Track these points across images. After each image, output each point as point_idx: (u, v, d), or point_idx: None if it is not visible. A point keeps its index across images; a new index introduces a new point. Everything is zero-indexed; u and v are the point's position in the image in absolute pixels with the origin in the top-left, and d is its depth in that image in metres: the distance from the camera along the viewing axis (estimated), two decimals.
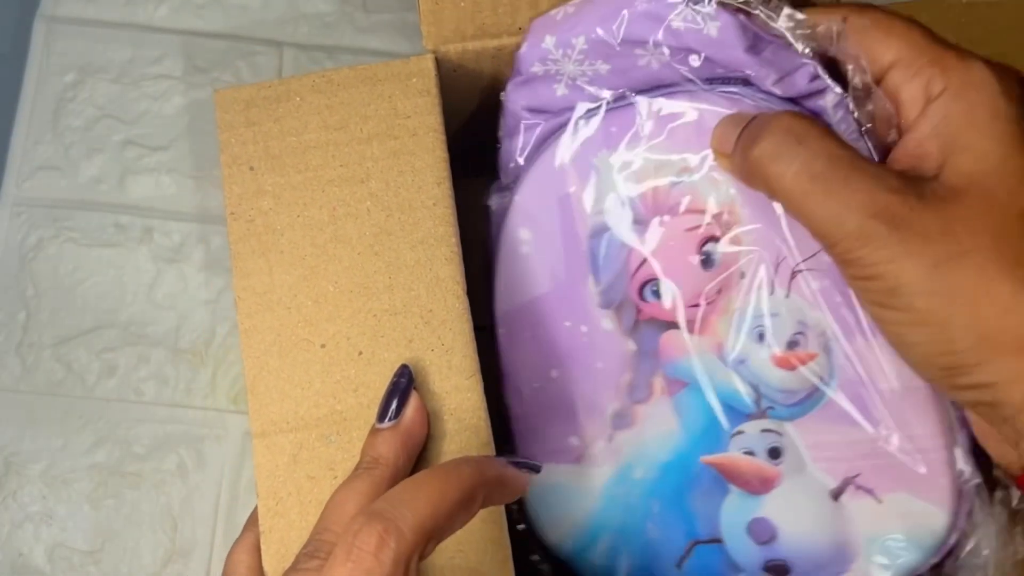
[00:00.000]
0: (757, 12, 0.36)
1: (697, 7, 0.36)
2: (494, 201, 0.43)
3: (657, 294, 0.39)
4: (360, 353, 0.37)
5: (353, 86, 0.39)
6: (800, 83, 0.36)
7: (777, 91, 0.37)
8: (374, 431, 0.36)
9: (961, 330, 0.30)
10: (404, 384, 0.36)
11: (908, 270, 0.31)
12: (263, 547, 0.36)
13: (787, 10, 0.36)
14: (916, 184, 0.32)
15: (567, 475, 0.40)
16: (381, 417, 0.36)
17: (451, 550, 0.35)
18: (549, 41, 0.39)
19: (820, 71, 0.36)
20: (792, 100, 0.37)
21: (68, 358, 0.55)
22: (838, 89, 0.36)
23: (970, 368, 0.31)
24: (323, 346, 0.37)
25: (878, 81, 0.34)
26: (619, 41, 0.38)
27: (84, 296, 0.55)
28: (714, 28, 0.36)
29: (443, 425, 0.37)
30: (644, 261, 0.39)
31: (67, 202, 0.57)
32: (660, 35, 0.37)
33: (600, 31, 0.38)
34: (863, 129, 0.36)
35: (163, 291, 0.56)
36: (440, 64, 0.41)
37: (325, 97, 0.39)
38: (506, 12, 0.40)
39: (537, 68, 0.40)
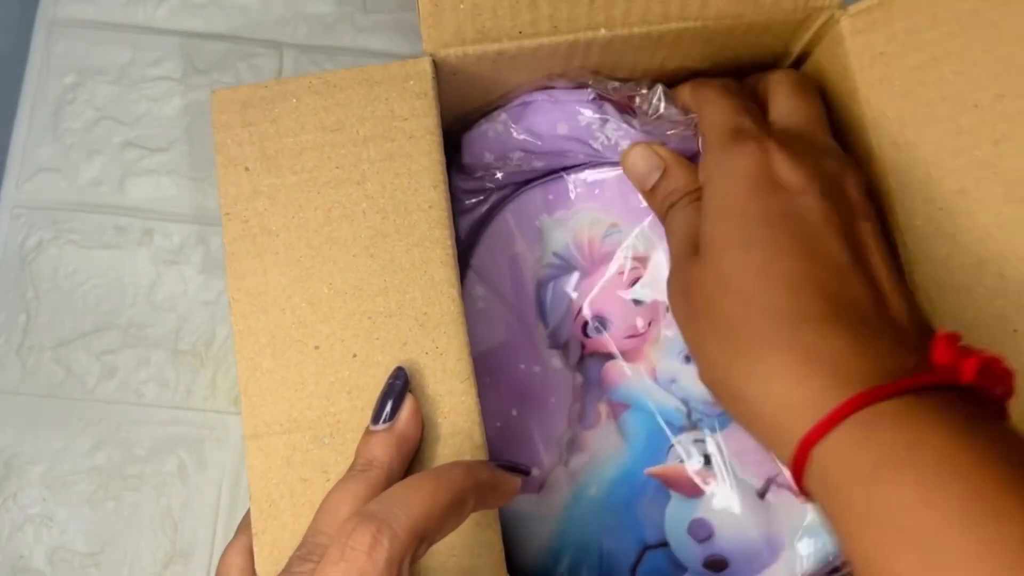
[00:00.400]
0: (642, 104, 0.44)
1: (607, 127, 0.44)
2: None
3: (598, 330, 0.45)
4: (354, 355, 0.37)
5: (350, 87, 0.39)
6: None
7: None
8: (368, 433, 0.35)
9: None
10: (399, 386, 0.36)
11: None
12: (256, 549, 0.36)
13: (662, 103, 0.43)
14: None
15: (531, 504, 0.44)
16: (376, 419, 0.35)
17: (444, 553, 0.35)
18: (489, 156, 0.46)
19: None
20: None
21: (68, 360, 0.55)
22: None
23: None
24: (317, 348, 0.37)
25: None
26: (549, 151, 0.45)
27: (84, 298, 0.55)
28: (626, 143, 0.44)
29: (437, 429, 0.36)
30: (585, 302, 0.45)
31: (67, 204, 0.57)
32: (582, 153, 0.45)
33: (532, 147, 0.45)
34: None
35: (163, 293, 0.56)
36: (439, 67, 0.41)
37: (322, 98, 0.39)
38: (506, 15, 0.40)
39: (480, 172, 0.47)
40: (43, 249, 0.56)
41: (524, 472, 0.36)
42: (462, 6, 0.40)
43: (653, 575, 0.43)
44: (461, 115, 0.48)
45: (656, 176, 0.42)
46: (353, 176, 0.38)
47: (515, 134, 0.45)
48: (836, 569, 0.43)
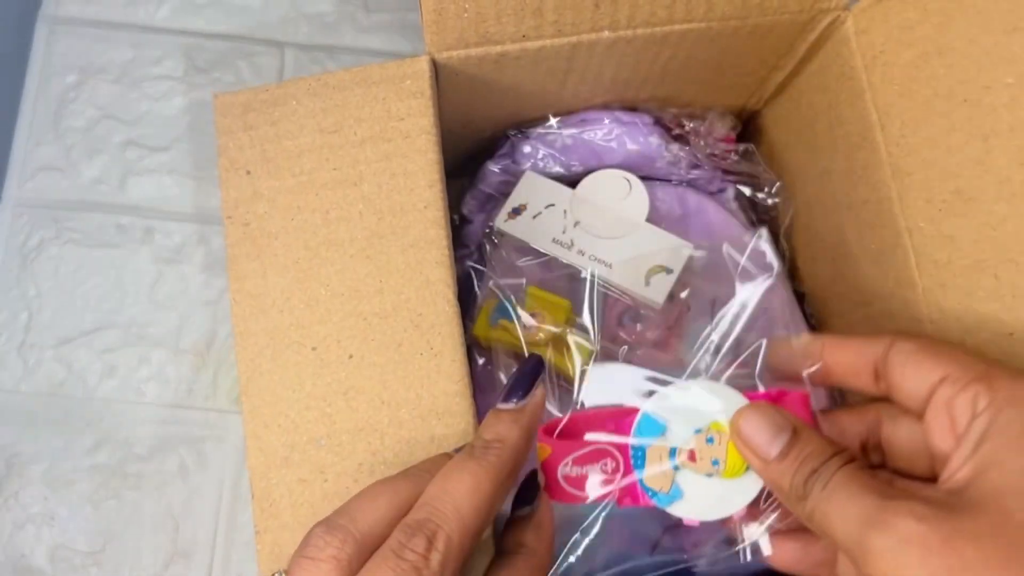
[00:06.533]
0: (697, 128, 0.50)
1: (671, 147, 0.50)
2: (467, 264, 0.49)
3: (632, 321, 0.47)
4: (350, 356, 0.37)
5: (348, 89, 0.39)
6: (716, 184, 0.52)
7: (713, 189, 0.52)
8: (496, 412, 0.34)
9: None
10: (535, 366, 0.35)
11: None
12: (258, 547, 0.36)
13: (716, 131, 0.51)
14: (929, 495, 0.30)
15: None
16: (507, 396, 0.34)
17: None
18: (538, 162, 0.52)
19: (724, 179, 0.52)
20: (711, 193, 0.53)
21: (69, 359, 0.55)
22: (733, 189, 0.52)
23: None
24: (314, 349, 0.37)
25: (928, 398, 0.34)
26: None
27: (85, 297, 0.56)
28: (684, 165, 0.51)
29: (432, 430, 0.36)
30: (621, 295, 0.47)
31: (68, 203, 0.57)
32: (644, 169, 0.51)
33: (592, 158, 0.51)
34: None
35: (164, 292, 0.56)
36: (440, 68, 0.41)
37: (320, 100, 0.39)
38: (510, 21, 0.40)
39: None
40: (44, 248, 0.56)
41: (537, 366, 0.35)
42: (466, 14, 0.39)
43: (672, 552, 0.44)
44: (465, 115, 0.48)
45: (784, 440, 0.35)
46: (350, 177, 0.38)
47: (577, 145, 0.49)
48: None
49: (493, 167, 0.50)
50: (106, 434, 0.54)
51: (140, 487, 0.54)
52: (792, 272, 0.52)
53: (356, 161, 0.39)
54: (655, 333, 0.47)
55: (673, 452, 0.37)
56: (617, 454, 0.37)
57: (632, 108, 0.50)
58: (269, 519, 0.36)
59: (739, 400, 0.37)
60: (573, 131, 0.49)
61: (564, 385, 0.45)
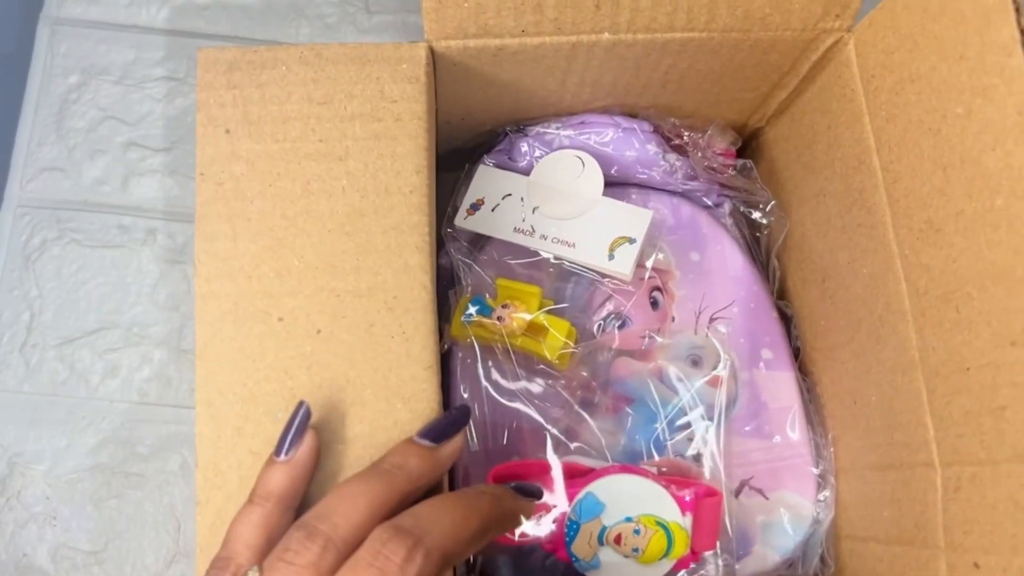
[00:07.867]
0: (692, 150, 0.50)
1: (668, 156, 0.50)
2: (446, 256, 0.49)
3: (614, 325, 0.48)
4: (319, 331, 0.36)
5: (342, 63, 0.39)
6: (712, 198, 0.52)
7: (709, 202, 0.52)
8: (272, 463, 0.34)
9: None
10: (303, 421, 0.34)
11: None
12: (198, 518, 0.35)
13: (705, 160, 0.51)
14: None
15: None
16: (278, 452, 0.34)
17: None
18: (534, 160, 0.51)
19: (722, 193, 0.52)
20: (707, 206, 0.52)
21: (72, 359, 0.55)
22: (729, 204, 0.52)
23: None
24: (281, 320, 0.36)
25: None
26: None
27: (87, 297, 0.56)
28: (681, 175, 0.51)
29: (396, 414, 0.36)
30: (607, 299, 0.48)
31: (70, 203, 0.57)
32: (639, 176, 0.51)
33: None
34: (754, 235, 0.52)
35: (166, 292, 0.56)
36: (438, 58, 0.41)
37: (312, 70, 0.39)
38: (509, 15, 0.40)
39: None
40: (47, 248, 0.56)
41: (536, 495, 0.36)
42: (466, 4, 0.39)
43: None
44: (464, 107, 0.47)
45: None
46: (336, 151, 0.38)
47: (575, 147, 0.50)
48: (792, 564, 0.46)
49: (489, 161, 0.50)
50: (108, 434, 0.54)
51: (142, 486, 0.54)
52: (781, 293, 0.52)
53: (344, 136, 0.38)
54: (637, 341, 0.48)
55: (602, 532, 0.41)
56: (551, 507, 0.41)
57: (632, 114, 0.50)
58: (213, 490, 0.35)
59: (669, 500, 0.42)
60: (571, 132, 0.49)
61: (546, 369, 0.46)
